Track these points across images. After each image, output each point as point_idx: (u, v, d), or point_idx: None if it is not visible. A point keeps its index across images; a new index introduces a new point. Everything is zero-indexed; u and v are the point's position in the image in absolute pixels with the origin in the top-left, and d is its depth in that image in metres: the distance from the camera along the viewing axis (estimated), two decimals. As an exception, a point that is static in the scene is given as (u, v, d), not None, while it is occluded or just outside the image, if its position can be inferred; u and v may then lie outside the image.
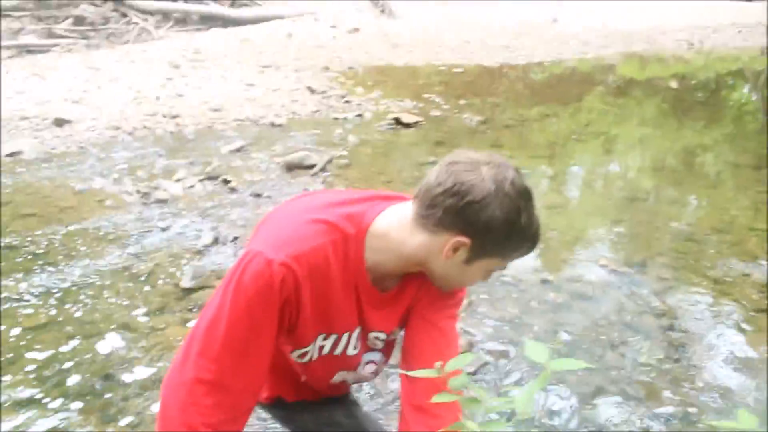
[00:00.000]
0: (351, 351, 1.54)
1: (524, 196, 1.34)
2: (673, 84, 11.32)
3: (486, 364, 3.36)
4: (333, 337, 1.50)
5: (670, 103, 10.02)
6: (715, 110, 9.57)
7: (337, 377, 1.64)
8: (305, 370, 1.60)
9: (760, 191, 5.87)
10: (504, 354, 3.43)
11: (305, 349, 1.50)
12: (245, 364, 1.36)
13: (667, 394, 3.14)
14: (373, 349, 1.61)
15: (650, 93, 10.64)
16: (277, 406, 1.80)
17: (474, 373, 3.27)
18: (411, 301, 1.52)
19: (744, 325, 3.74)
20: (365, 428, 1.86)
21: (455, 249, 1.35)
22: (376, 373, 1.70)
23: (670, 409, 3.03)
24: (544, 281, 4.20)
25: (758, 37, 16.10)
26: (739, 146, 7.69)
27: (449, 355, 1.43)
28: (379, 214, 1.41)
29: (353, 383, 1.78)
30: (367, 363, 1.64)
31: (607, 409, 3.04)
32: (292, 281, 1.31)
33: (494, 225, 1.31)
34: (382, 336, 1.56)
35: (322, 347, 1.51)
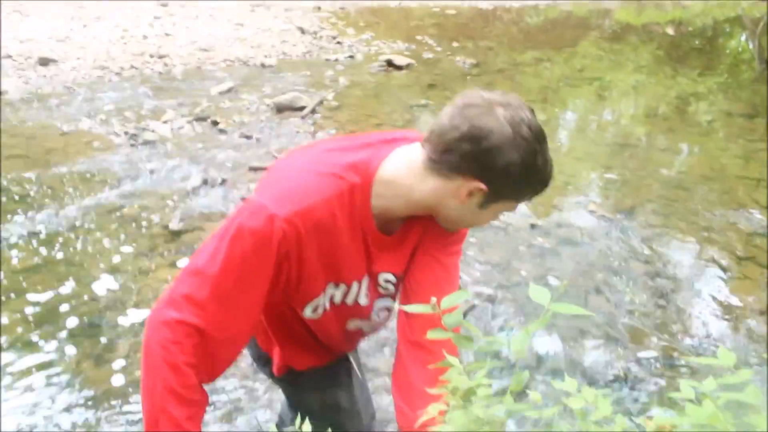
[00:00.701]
0: (363, 300, 1.53)
1: (539, 138, 1.29)
2: (670, 30, 11.18)
3: (473, 306, 3.38)
4: (342, 287, 1.48)
5: (665, 49, 9.91)
6: (711, 58, 9.48)
7: (351, 325, 1.63)
8: (319, 326, 1.59)
9: (752, 140, 5.87)
10: (491, 297, 3.45)
11: (316, 300, 1.48)
12: (232, 315, 1.34)
13: (651, 338, 3.18)
14: (384, 296, 1.60)
15: (646, 39, 10.51)
16: (285, 380, 1.77)
17: (462, 316, 3.29)
18: (417, 241, 1.51)
19: (729, 273, 3.77)
20: (362, 413, 1.88)
21: (470, 194, 1.32)
22: (388, 319, 1.70)
23: (653, 353, 3.07)
24: (533, 226, 4.21)
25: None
26: (732, 95, 7.65)
27: (449, 290, 1.43)
28: (384, 160, 1.36)
29: (369, 332, 1.76)
30: (380, 310, 1.63)
31: (592, 352, 3.08)
32: (294, 237, 1.29)
33: (512, 169, 1.27)
34: (392, 278, 1.54)
35: (332, 296, 1.49)
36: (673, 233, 4.22)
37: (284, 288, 1.38)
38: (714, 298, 3.53)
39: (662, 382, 2.89)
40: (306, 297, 1.47)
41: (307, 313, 1.51)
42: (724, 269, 3.81)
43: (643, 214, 4.48)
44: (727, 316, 3.37)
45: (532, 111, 1.30)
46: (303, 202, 1.28)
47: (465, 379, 1.06)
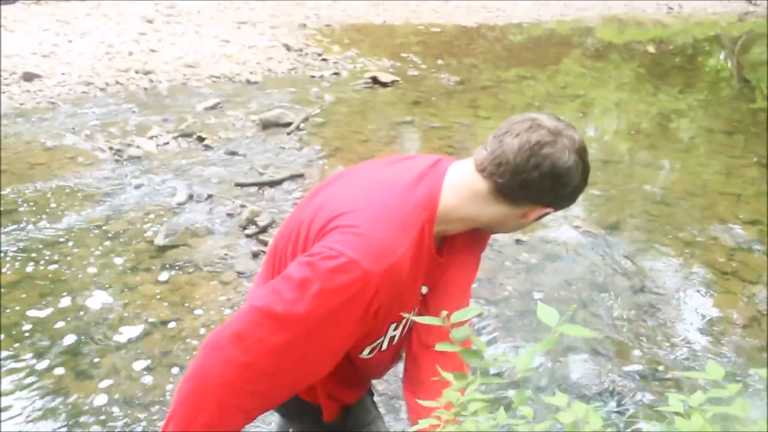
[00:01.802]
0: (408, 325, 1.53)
1: (587, 157, 1.41)
2: (651, 48, 11.33)
3: (460, 322, 3.39)
4: (402, 324, 1.48)
5: (647, 67, 10.04)
6: (691, 76, 9.61)
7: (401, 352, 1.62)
8: (368, 362, 1.54)
9: (732, 156, 5.95)
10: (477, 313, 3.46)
11: (376, 342, 1.45)
12: (305, 364, 1.31)
13: (636, 352, 3.21)
14: None
15: (628, 57, 10.65)
16: (335, 424, 1.67)
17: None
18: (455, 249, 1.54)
19: (712, 287, 3.81)
20: None
21: (538, 215, 1.42)
22: None
23: (638, 366, 3.10)
24: (518, 241, 4.24)
25: (737, 3, 16.14)
26: (713, 112, 7.76)
27: (468, 293, 1.56)
28: (441, 189, 1.38)
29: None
30: None
31: (578, 366, 3.10)
32: (385, 292, 1.28)
33: (576, 192, 1.41)
34: (426, 289, 1.54)
35: (393, 337, 1.48)
36: (657, 248, 4.26)
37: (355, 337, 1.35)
38: (697, 312, 3.56)
39: (648, 396, 2.91)
40: (368, 341, 1.44)
41: (364, 354, 1.48)
42: (707, 284, 3.85)
43: (627, 229, 4.52)
44: (710, 330, 3.40)
45: (576, 130, 1.40)
46: (393, 257, 1.27)
47: (457, 394, 1.07)
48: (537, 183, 1.33)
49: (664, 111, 7.67)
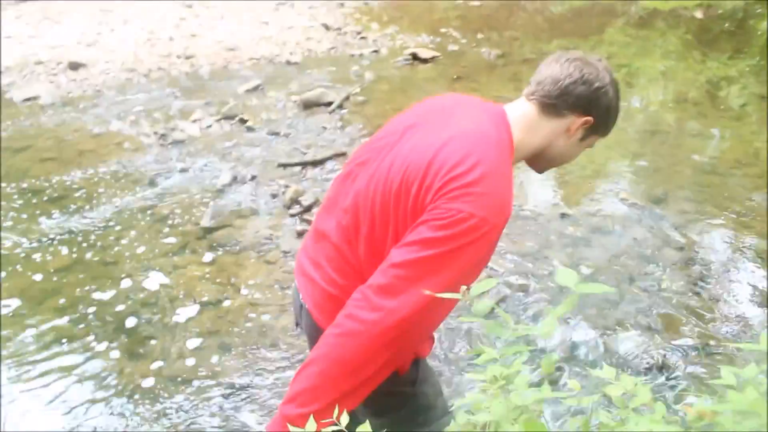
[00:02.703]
0: None
1: (614, 75, 1.66)
2: (698, 14, 10.97)
3: (506, 297, 3.37)
4: None
5: (694, 34, 9.74)
6: (742, 41, 9.29)
7: None
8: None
9: (786, 123, 5.75)
10: (524, 287, 3.44)
11: None
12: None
13: (686, 326, 3.15)
14: None
15: (674, 24, 10.34)
16: (408, 379, 1.75)
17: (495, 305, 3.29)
18: None
19: (765, 258, 3.71)
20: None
21: (578, 127, 1.62)
22: None
23: (689, 341, 3.04)
24: (564, 215, 4.18)
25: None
26: (765, 78, 7.50)
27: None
28: (512, 131, 1.60)
29: None
30: None
31: (626, 341, 3.05)
32: (500, 236, 1.53)
33: (611, 106, 1.63)
34: None
35: None
36: (707, 219, 4.15)
37: None
38: (750, 284, 3.47)
39: (699, 370, 2.86)
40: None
41: None
42: (759, 255, 3.75)
43: (676, 201, 4.41)
44: (763, 303, 3.32)
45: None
46: (509, 209, 1.50)
47: (502, 368, 1.06)
48: (572, 88, 1.56)
49: (713, 78, 7.44)
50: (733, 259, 3.75)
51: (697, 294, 3.40)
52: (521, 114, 1.61)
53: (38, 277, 3.65)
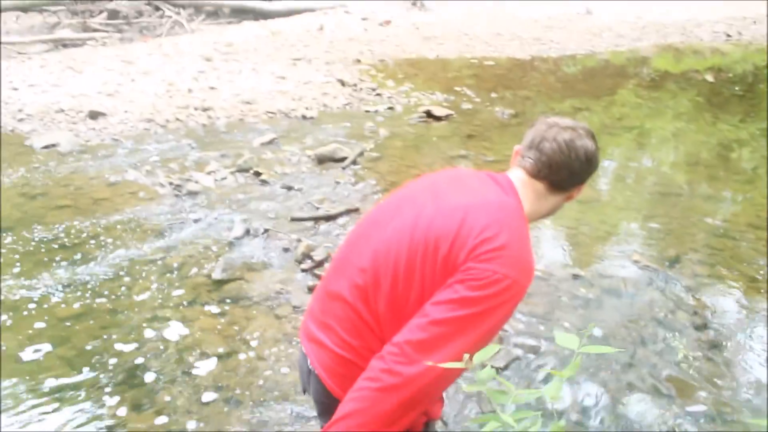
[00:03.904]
0: None
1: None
2: (709, 77, 11.10)
3: (517, 358, 3.34)
4: None
5: (705, 96, 9.84)
6: (753, 104, 9.37)
7: None
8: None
9: (799, 187, 5.75)
10: (535, 349, 3.41)
11: None
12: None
13: (700, 392, 3.10)
14: None
15: (685, 86, 10.46)
16: None
17: (505, 368, 3.26)
18: None
19: (780, 324, 3.67)
20: None
21: (578, 192, 1.83)
22: None
23: (702, 407, 2.99)
24: (576, 276, 4.16)
25: (798, 29, 15.70)
26: (776, 141, 7.53)
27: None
28: (522, 202, 1.76)
29: None
30: None
31: (639, 406, 3.01)
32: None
33: (598, 164, 1.81)
34: None
35: None
36: (720, 283, 4.13)
37: None
38: (764, 350, 3.42)
39: (714, 439, 2.80)
40: None
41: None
42: (774, 321, 3.71)
43: (689, 263, 4.39)
44: (779, 370, 3.27)
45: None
46: (533, 269, 1.66)
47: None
48: (578, 169, 1.74)
49: (725, 141, 7.49)
50: (747, 323, 3.72)
51: (711, 359, 3.36)
52: (532, 190, 1.77)
53: (47, 324, 3.66)
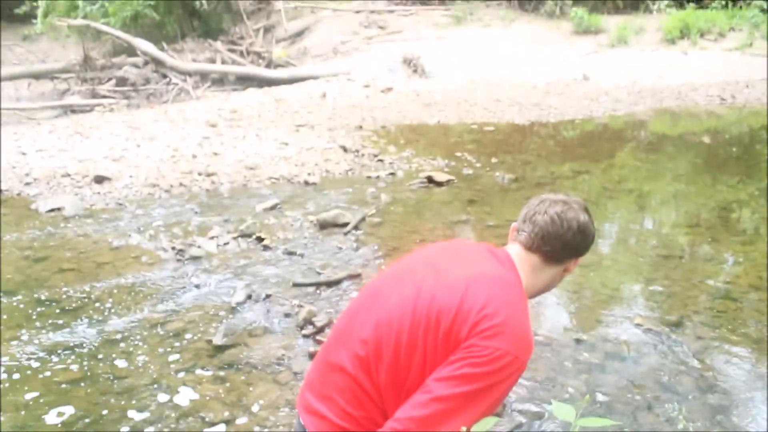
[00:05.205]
0: None
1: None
2: (706, 139, 11.25)
3: (520, 425, 3.30)
4: None
5: (703, 158, 9.95)
6: (750, 165, 9.46)
7: None
8: None
9: (800, 248, 5.76)
10: (538, 415, 3.37)
11: None
12: None
13: (707, 459, 3.05)
14: None
15: (683, 148, 10.59)
16: None
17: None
18: None
19: (786, 388, 3.63)
20: None
21: (575, 264, 1.92)
22: None
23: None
24: (578, 341, 4.15)
25: (792, 93, 15.96)
26: (775, 202, 7.58)
27: None
28: (521, 275, 1.83)
29: None
30: None
31: (645, 474, 2.95)
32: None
33: (594, 237, 1.90)
34: None
35: None
36: (724, 345, 4.10)
37: None
38: (771, 415, 3.38)
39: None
40: None
41: None
42: (780, 384, 3.67)
43: (692, 326, 4.38)
44: (787, 435, 3.22)
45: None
46: (532, 344, 1.70)
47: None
48: (572, 240, 1.82)
49: (724, 202, 7.54)
50: (753, 387, 3.68)
51: (717, 423, 3.31)
52: (528, 263, 1.85)
53: (44, 389, 3.63)
